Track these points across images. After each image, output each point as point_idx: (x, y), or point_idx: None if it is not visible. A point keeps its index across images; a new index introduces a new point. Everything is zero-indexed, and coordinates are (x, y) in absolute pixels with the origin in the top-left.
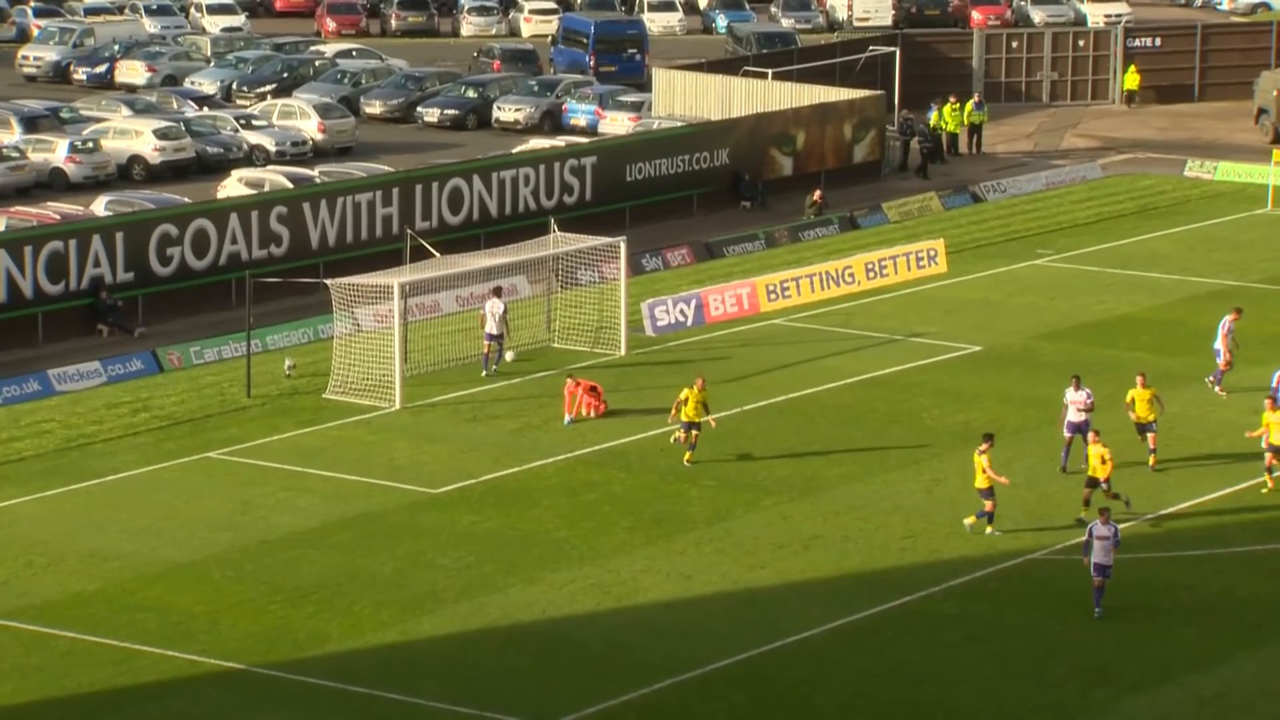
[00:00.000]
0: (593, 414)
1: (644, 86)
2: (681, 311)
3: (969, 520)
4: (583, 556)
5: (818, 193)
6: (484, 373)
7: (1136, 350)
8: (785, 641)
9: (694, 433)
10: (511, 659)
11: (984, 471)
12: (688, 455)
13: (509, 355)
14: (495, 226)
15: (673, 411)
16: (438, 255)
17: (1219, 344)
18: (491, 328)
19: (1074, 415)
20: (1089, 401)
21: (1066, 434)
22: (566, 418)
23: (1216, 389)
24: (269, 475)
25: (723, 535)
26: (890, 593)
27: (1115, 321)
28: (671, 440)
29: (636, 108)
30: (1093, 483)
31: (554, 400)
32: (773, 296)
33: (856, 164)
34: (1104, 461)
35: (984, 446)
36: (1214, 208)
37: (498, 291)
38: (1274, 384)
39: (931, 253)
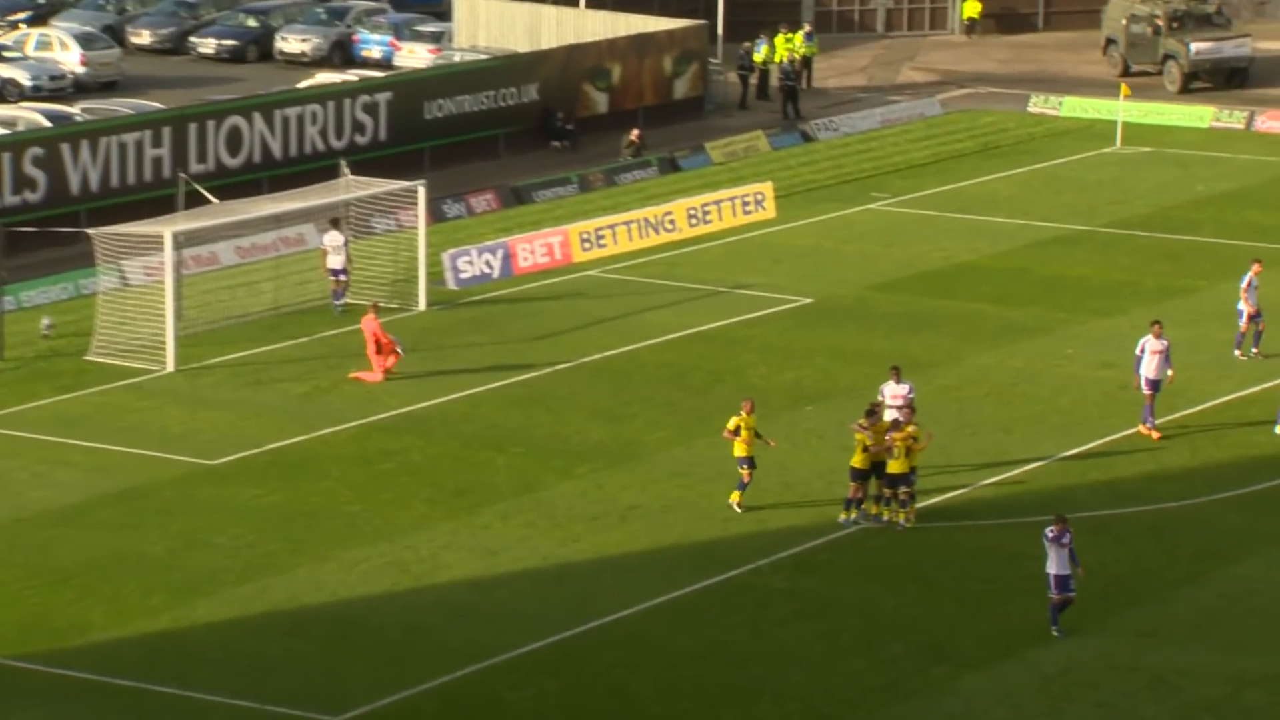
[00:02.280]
0: (390, 361)
1: (444, 15)
2: (487, 263)
3: (734, 500)
4: (377, 532)
5: (635, 132)
6: (336, 310)
7: (978, 301)
8: (600, 621)
9: (750, 471)
10: (298, 646)
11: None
12: (737, 496)
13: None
14: (279, 170)
15: (727, 435)
16: (215, 202)
17: (1240, 303)
18: (334, 262)
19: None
20: (909, 397)
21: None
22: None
23: (1236, 352)
24: (24, 446)
25: (532, 507)
26: (714, 566)
27: (955, 270)
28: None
29: (436, 38)
30: (862, 475)
31: (346, 361)
32: (587, 246)
33: (677, 100)
34: (900, 452)
35: (745, 411)
36: (1060, 146)
37: (335, 223)
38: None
39: (758, 197)
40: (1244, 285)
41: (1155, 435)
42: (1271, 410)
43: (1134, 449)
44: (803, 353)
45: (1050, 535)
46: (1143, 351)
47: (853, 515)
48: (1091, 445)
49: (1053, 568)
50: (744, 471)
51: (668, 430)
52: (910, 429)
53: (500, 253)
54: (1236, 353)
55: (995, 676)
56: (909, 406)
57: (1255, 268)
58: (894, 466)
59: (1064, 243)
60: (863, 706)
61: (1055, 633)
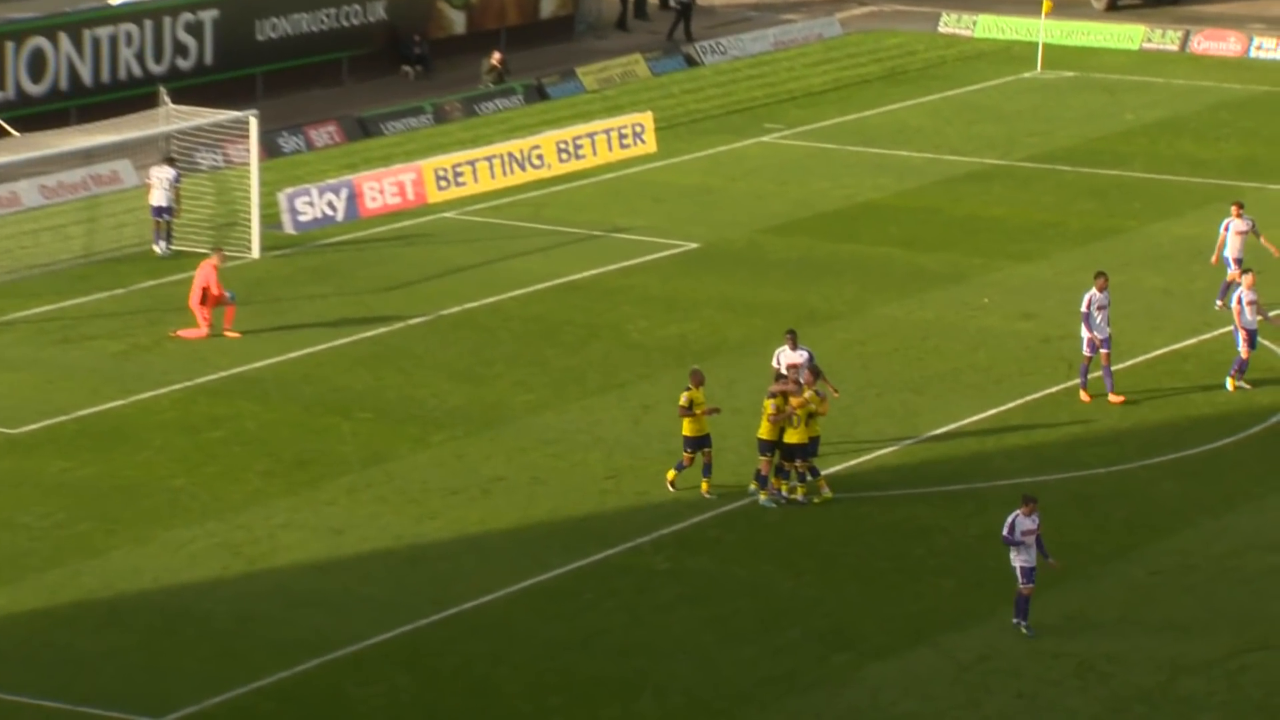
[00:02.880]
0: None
1: None
2: (330, 204)
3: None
4: (205, 509)
5: (497, 55)
6: (159, 253)
7: (884, 245)
8: (460, 608)
9: (707, 451)
10: (114, 639)
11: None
12: (704, 485)
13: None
14: (90, 98)
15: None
16: (15, 135)
17: (1229, 250)
18: (158, 199)
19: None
20: (809, 366)
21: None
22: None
23: (1218, 303)
24: None
25: (383, 480)
26: (589, 545)
27: (858, 210)
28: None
29: None
30: (770, 447)
31: (169, 315)
32: (443, 184)
33: (545, 20)
34: (799, 420)
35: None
36: (974, 71)
37: (170, 160)
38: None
39: (637, 129)
40: (1223, 230)
41: (1117, 399)
42: (1209, 364)
43: (1058, 410)
44: (688, 304)
45: (1019, 525)
46: (1089, 307)
47: (762, 496)
48: (1010, 405)
49: (1020, 558)
50: (686, 455)
51: (537, 392)
52: (808, 394)
53: (344, 192)
54: (1218, 303)
55: (904, 665)
56: (812, 370)
57: (1235, 210)
58: (791, 436)
59: (979, 179)
60: (755, 700)
61: (1025, 630)
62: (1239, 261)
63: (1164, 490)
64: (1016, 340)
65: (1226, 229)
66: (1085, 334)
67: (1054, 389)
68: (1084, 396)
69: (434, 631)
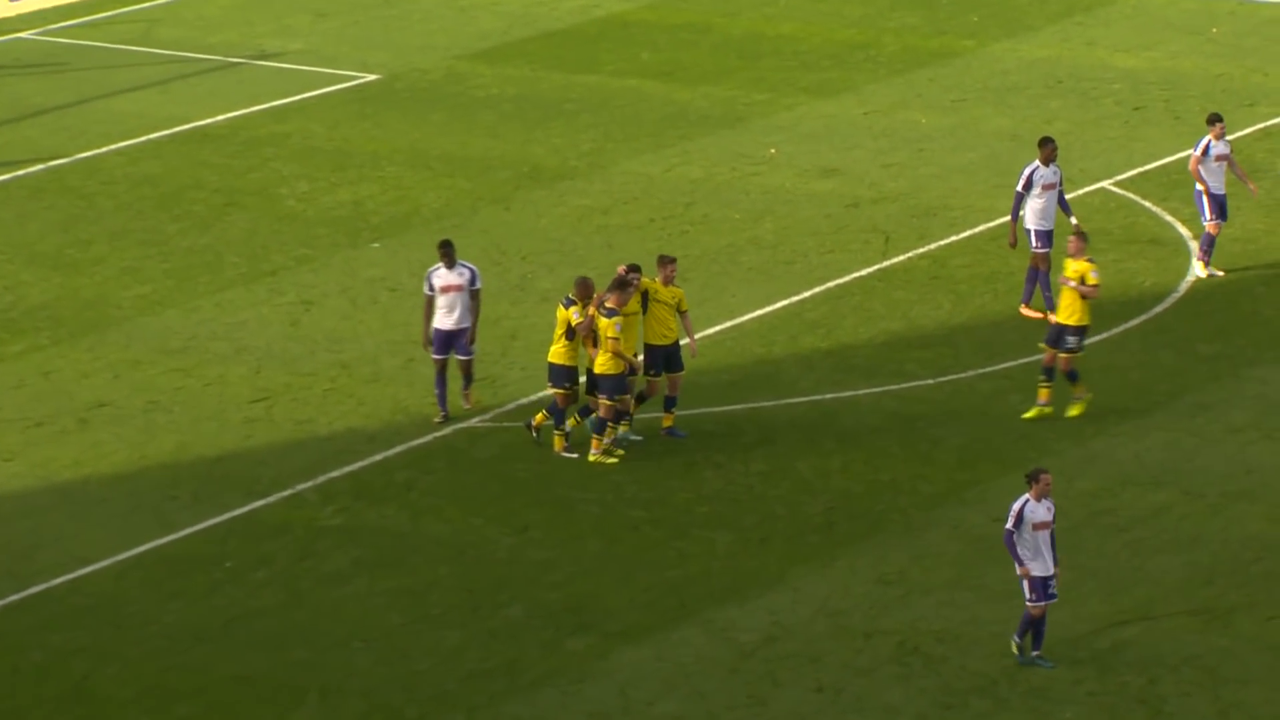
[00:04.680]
0: None
1: None
2: None
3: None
4: None
5: None
6: None
7: (633, 75)
8: (45, 585)
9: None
10: None
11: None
12: (560, 440)
13: None
14: None
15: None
16: None
17: (1209, 181)
18: None
19: (443, 320)
20: (474, 288)
21: (436, 354)
22: None
23: (1196, 265)
24: None
25: None
26: (230, 495)
27: (598, 27)
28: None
29: None
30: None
31: None
32: None
33: None
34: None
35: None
36: None
37: None
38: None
39: None
40: (1197, 155)
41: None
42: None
43: (870, 300)
44: (364, 159)
45: (1029, 515)
46: (1028, 186)
47: (623, 428)
48: (806, 295)
49: (1034, 566)
50: (558, 392)
51: (153, 284)
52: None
53: None
54: (1197, 265)
55: (664, 650)
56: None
57: (1215, 130)
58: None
59: None
60: (462, 702)
61: (1023, 660)
62: (1222, 202)
63: (1011, 407)
64: (814, 205)
65: (1204, 153)
66: (1030, 224)
67: (864, 271)
68: (1026, 310)
69: (10, 618)
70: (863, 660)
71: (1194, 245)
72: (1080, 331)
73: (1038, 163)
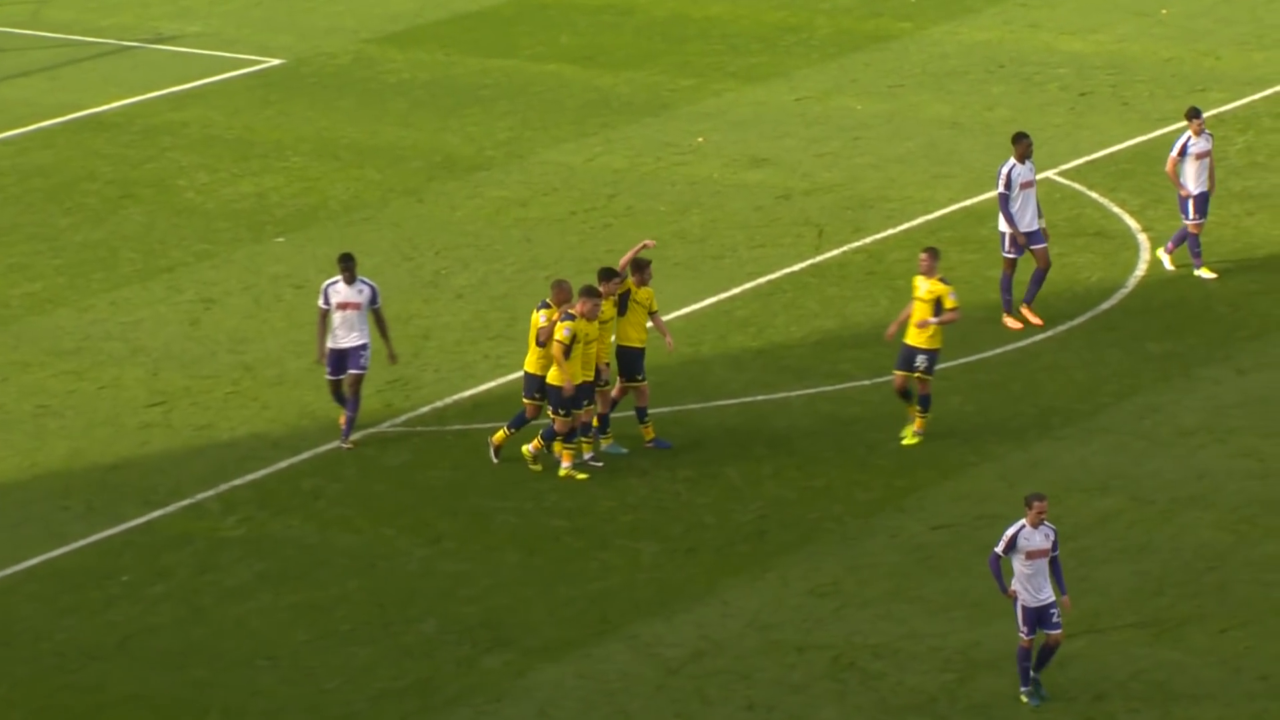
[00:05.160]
0: None
1: None
2: None
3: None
4: None
5: None
6: None
7: (552, 59)
8: None
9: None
10: None
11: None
12: (535, 444)
13: None
14: None
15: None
16: None
17: (1187, 181)
18: None
19: (339, 339)
20: (374, 308)
21: (330, 375)
22: None
23: (1165, 255)
24: None
25: None
26: (125, 505)
27: (515, 9)
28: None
29: None
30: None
31: None
32: None
33: None
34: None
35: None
36: None
37: None
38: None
39: None
40: (1175, 153)
41: (1035, 320)
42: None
43: (803, 296)
44: (268, 149)
45: (1022, 542)
46: (1009, 185)
47: (604, 442)
48: (735, 291)
49: (1025, 591)
50: (528, 403)
51: (43, 281)
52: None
53: None
54: (1166, 256)
55: (586, 667)
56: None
57: (1195, 126)
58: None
59: None
60: None
61: (1025, 699)
62: (1203, 203)
63: (951, 409)
64: (743, 197)
65: (1182, 152)
66: (1005, 227)
67: (797, 267)
68: (1010, 322)
69: None
70: (796, 676)
71: (1143, 238)
72: (932, 355)
73: (1014, 160)
